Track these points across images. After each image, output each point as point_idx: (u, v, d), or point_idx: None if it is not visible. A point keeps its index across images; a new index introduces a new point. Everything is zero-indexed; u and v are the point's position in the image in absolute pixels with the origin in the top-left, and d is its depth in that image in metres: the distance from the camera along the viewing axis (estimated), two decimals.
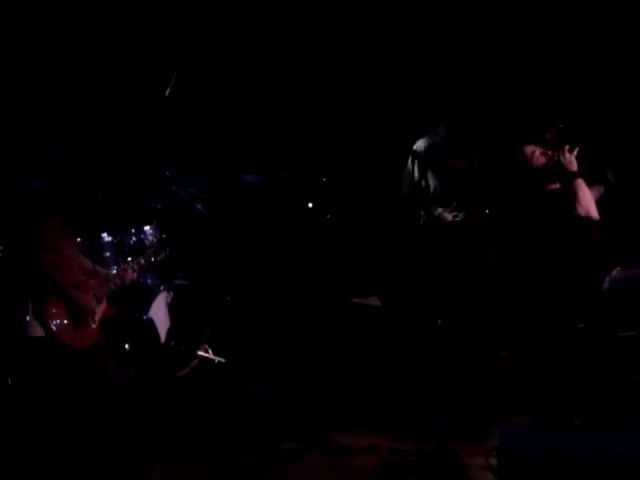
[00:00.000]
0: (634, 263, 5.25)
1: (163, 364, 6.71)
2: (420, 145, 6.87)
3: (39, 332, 6.68)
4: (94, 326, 5.18)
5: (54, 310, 5.03)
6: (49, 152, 5.24)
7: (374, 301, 8.23)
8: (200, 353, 7.07)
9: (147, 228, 7.01)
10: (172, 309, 6.97)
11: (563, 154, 5.25)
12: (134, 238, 6.87)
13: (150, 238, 6.94)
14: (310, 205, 8.79)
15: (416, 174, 6.86)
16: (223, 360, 7.07)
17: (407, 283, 8.26)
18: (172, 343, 6.94)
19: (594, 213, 5.17)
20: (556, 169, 5.30)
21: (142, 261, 5.64)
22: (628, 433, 4.56)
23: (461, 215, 6.66)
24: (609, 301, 5.07)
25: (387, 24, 8.39)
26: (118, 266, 5.86)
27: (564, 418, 5.26)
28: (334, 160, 8.86)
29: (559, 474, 3.96)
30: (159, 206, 7.23)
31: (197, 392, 6.58)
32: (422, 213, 6.93)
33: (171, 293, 6.97)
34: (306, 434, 5.83)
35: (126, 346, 6.52)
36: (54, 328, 5.01)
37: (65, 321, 5.04)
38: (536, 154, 5.39)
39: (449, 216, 6.69)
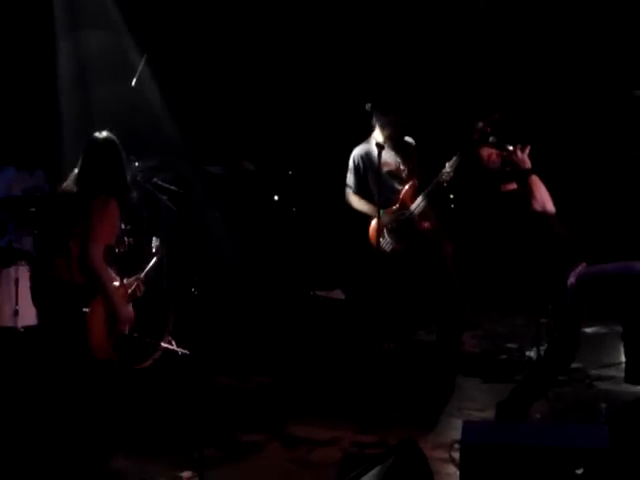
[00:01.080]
0: (600, 257, 5.31)
1: (126, 355, 6.67)
2: (357, 154, 6.85)
3: (3, 322, 6.70)
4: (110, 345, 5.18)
5: (98, 314, 5.01)
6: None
7: (338, 294, 8.24)
8: (163, 345, 7.04)
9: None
10: (135, 300, 6.93)
11: (515, 154, 5.30)
12: None
13: None
14: (276, 198, 8.79)
15: (353, 182, 6.86)
16: (186, 352, 7.04)
17: (371, 276, 8.29)
18: (135, 335, 6.90)
19: (550, 207, 5.23)
20: (511, 169, 5.35)
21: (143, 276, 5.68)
22: (587, 426, 4.62)
23: (407, 213, 6.60)
24: (575, 297, 5.12)
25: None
26: None
27: (525, 412, 5.30)
28: (300, 153, 8.86)
29: (520, 468, 4.00)
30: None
31: (160, 384, 6.55)
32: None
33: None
34: (267, 426, 5.83)
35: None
36: (92, 331, 4.99)
37: (101, 325, 5.04)
38: (492, 156, 5.43)
39: (390, 222, 6.66)
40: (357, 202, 6.82)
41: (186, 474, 4.90)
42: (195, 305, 6.82)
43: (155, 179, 7.20)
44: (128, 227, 6.94)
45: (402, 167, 6.69)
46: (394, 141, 6.67)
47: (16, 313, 6.66)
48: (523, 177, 5.27)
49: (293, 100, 8.76)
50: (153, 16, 8.31)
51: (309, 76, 8.66)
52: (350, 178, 6.87)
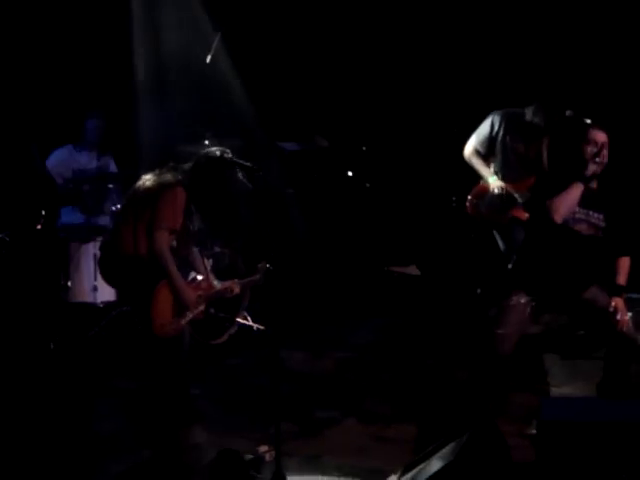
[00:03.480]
0: None
1: (202, 331, 6.74)
2: (506, 114, 6.62)
3: (79, 298, 6.83)
4: (183, 323, 5.26)
5: (165, 293, 5.15)
6: None
7: (413, 270, 8.21)
8: (239, 320, 7.09)
9: None
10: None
11: (591, 155, 5.11)
12: None
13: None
14: (350, 174, 8.76)
15: (485, 141, 6.66)
16: (262, 327, 7.09)
17: (447, 253, 8.23)
18: (211, 310, 6.96)
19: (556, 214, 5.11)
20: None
21: (248, 281, 5.80)
22: None
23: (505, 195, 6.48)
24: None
25: None
26: None
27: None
28: (374, 128, 8.80)
29: (599, 444, 3.94)
30: None
31: (235, 359, 6.61)
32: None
33: (210, 261, 6.98)
34: (343, 402, 5.85)
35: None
36: (156, 310, 5.11)
37: (168, 306, 5.16)
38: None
39: (498, 187, 6.50)
40: (475, 158, 6.69)
41: (262, 448, 4.94)
42: (270, 281, 6.84)
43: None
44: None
45: (529, 153, 6.53)
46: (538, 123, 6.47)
47: (95, 289, 6.78)
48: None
49: (366, 74, 8.69)
50: None
51: (383, 50, 8.58)
52: (481, 134, 6.68)
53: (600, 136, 5.11)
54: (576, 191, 5.07)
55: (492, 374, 5.11)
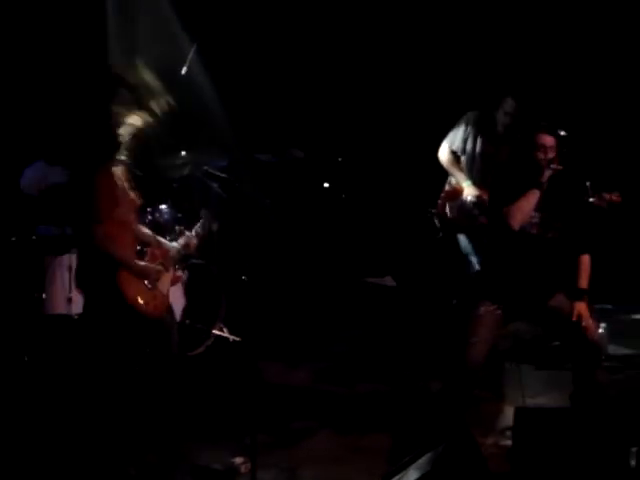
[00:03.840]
0: None
1: (179, 343, 6.74)
2: (478, 116, 6.59)
3: (54, 310, 6.79)
4: (164, 292, 5.22)
5: (128, 278, 5.01)
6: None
7: (389, 281, 8.23)
8: (215, 332, 7.10)
9: (163, 207, 7.02)
10: (187, 288, 6.99)
11: (544, 160, 5.12)
12: (149, 217, 6.88)
13: (165, 217, 6.96)
14: (326, 185, 8.78)
15: (458, 142, 6.60)
16: (238, 339, 7.10)
17: (422, 264, 8.25)
18: (187, 322, 6.97)
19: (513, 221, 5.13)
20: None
21: (199, 228, 5.68)
22: None
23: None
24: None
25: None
26: None
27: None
28: (350, 140, 8.83)
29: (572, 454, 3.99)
30: (175, 185, 7.24)
31: (211, 370, 6.61)
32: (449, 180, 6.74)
33: (186, 272, 6.98)
34: (319, 412, 5.85)
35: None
36: (131, 295, 4.98)
37: (141, 285, 5.04)
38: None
39: (473, 195, 6.48)
40: (449, 161, 6.61)
41: (238, 460, 4.94)
42: (246, 292, 6.85)
43: (206, 167, 7.25)
44: (179, 215, 7.00)
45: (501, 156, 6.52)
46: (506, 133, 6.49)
47: (70, 300, 6.74)
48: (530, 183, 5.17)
49: (343, 87, 8.72)
50: (203, 4, 8.30)
51: (357, 61, 8.61)
52: (454, 135, 6.63)
53: (548, 140, 5.14)
54: (532, 198, 5.08)
55: (465, 384, 5.12)
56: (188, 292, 7.00)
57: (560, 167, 5.10)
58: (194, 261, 7.16)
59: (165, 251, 5.36)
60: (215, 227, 5.82)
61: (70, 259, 6.66)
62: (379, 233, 8.74)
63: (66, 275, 6.73)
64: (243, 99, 8.55)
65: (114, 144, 5.10)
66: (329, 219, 8.76)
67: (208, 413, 5.82)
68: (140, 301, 5.01)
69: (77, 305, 6.71)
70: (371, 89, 8.64)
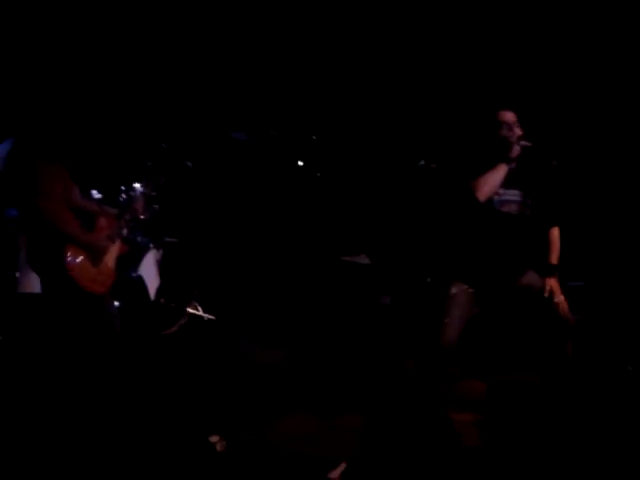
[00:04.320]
0: None
1: (153, 321, 6.74)
2: None
3: (30, 288, 6.76)
4: (110, 265, 5.23)
5: (73, 255, 5.03)
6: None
7: (364, 259, 8.24)
8: (189, 310, 7.10)
9: (137, 186, 6.98)
10: (162, 267, 6.99)
11: (512, 135, 5.14)
12: (124, 195, 6.85)
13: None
14: (300, 163, 8.77)
15: None
16: (213, 317, 7.10)
17: (397, 242, 8.28)
18: (162, 300, 6.96)
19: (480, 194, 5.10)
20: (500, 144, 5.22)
21: (142, 189, 5.67)
22: None
23: None
24: None
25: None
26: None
27: None
28: (324, 118, 8.82)
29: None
30: (149, 163, 7.20)
31: (186, 349, 6.61)
32: None
33: (161, 251, 6.98)
34: (293, 393, 5.88)
35: (115, 303, 6.54)
36: (76, 272, 5.01)
37: (85, 263, 5.06)
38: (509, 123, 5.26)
39: None
40: None
41: (213, 438, 4.95)
42: (219, 272, 6.85)
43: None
44: (153, 194, 6.96)
45: None
46: None
47: None
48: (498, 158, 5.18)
49: (317, 64, 8.69)
50: None
51: (333, 41, 8.58)
52: None
53: (510, 116, 5.16)
54: (501, 171, 5.05)
55: (439, 363, 5.16)
56: (162, 271, 6.99)
57: (529, 143, 5.11)
58: (168, 239, 7.16)
59: (112, 220, 5.37)
60: (162, 181, 5.81)
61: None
62: (354, 211, 8.75)
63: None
64: (218, 77, 8.51)
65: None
66: (303, 197, 8.75)
67: (183, 392, 5.82)
68: (84, 277, 5.03)
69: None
70: (346, 67, 8.62)
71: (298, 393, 5.86)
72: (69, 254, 5.05)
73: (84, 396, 5.10)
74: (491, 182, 5.07)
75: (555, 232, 5.28)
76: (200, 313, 7.14)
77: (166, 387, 5.88)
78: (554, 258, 5.25)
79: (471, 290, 5.14)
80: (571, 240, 5.42)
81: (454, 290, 5.13)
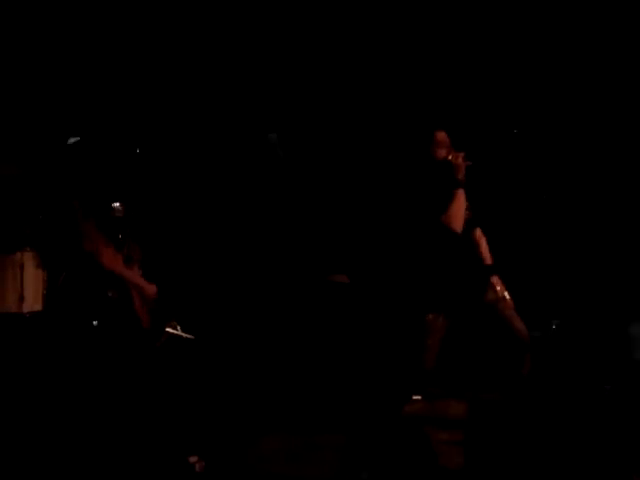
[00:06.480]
0: None
1: (133, 340, 6.70)
2: None
3: (5, 308, 6.74)
4: None
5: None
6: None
7: (342, 278, 8.24)
8: (168, 329, 7.06)
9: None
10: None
11: (456, 158, 5.21)
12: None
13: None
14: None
15: None
16: (191, 337, 7.07)
17: (378, 263, 8.27)
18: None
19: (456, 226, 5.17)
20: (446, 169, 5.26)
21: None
22: None
23: None
24: None
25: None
26: None
27: None
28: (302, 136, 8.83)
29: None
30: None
31: (167, 368, 6.58)
32: None
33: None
34: (274, 411, 5.87)
35: (94, 322, 6.51)
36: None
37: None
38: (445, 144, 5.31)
39: None
40: None
41: (192, 459, 4.93)
42: (200, 291, 6.84)
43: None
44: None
45: None
46: None
47: (21, 298, 6.70)
48: (452, 184, 5.20)
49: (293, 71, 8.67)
50: None
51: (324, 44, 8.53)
52: None
53: (443, 135, 5.26)
54: (461, 197, 5.13)
55: (419, 385, 5.23)
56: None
57: (469, 162, 5.17)
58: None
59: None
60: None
61: (22, 257, 6.62)
62: (333, 230, 8.75)
63: (18, 273, 6.69)
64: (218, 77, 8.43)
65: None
66: (285, 215, 8.75)
67: (161, 411, 5.79)
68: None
69: (28, 303, 6.70)
70: (334, 72, 8.57)
71: (279, 412, 5.85)
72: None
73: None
74: (458, 211, 5.13)
75: (477, 232, 5.41)
76: (178, 332, 7.11)
77: (145, 406, 5.85)
78: (487, 258, 5.40)
79: (441, 317, 5.23)
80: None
81: (430, 317, 5.22)
